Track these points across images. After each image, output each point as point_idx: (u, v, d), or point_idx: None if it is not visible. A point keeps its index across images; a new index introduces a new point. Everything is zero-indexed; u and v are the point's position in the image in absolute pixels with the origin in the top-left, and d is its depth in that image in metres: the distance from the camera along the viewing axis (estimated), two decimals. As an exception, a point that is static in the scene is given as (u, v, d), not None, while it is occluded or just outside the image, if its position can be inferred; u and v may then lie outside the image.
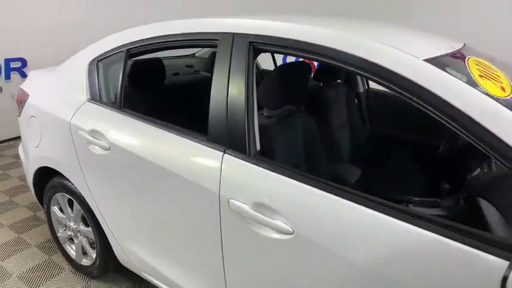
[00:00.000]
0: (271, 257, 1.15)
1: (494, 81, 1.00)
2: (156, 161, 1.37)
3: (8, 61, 3.71)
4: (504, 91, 0.97)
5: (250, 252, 1.21)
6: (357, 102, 2.30)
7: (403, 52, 1.01)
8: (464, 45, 1.30)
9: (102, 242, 1.79)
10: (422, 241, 0.88)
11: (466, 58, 1.11)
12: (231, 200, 1.17)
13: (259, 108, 1.44)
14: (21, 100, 2.00)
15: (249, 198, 1.14)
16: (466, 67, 1.04)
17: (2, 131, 3.73)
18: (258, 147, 1.24)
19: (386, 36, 1.20)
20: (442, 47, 1.16)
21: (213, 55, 2.57)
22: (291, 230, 1.06)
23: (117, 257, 1.76)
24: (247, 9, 3.40)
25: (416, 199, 1.59)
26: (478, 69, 1.05)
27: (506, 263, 0.78)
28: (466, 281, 0.85)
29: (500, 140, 0.84)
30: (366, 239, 0.97)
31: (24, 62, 3.80)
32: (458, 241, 0.84)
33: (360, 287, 1.01)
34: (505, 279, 0.77)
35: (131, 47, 1.59)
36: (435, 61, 1.01)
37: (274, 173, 1.12)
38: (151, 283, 1.66)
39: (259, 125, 1.28)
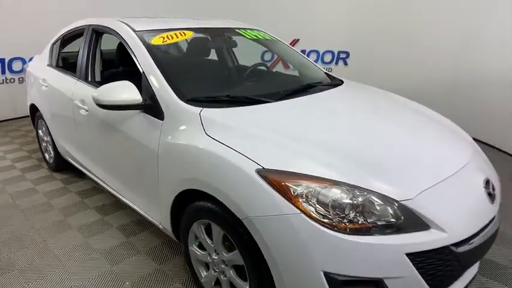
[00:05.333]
0: (84, 123, 2.49)
1: (165, 39, 2.19)
2: (60, 88, 2.79)
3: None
4: (162, 42, 2.17)
5: (79, 123, 2.56)
6: None
7: (128, 26, 2.27)
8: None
9: (53, 144, 3.25)
10: None
11: (173, 31, 2.30)
12: (74, 101, 2.53)
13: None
14: (25, 69, 3.60)
15: (78, 98, 2.49)
16: (158, 33, 2.24)
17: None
18: (98, 79, 2.57)
19: (141, 23, 2.39)
20: (173, 26, 2.37)
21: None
22: (88, 109, 2.38)
23: (59, 151, 3.20)
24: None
25: None
26: (169, 34, 2.24)
27: None
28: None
29: (142, 69, 2.05)
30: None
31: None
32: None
33: (101, 125, 2.28)
34: None
35: (63, 35, 3.06)
36: (142, 31, 2.23)
37: (88, 87, 2.45)
38: (73, 165, 3.07)
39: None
